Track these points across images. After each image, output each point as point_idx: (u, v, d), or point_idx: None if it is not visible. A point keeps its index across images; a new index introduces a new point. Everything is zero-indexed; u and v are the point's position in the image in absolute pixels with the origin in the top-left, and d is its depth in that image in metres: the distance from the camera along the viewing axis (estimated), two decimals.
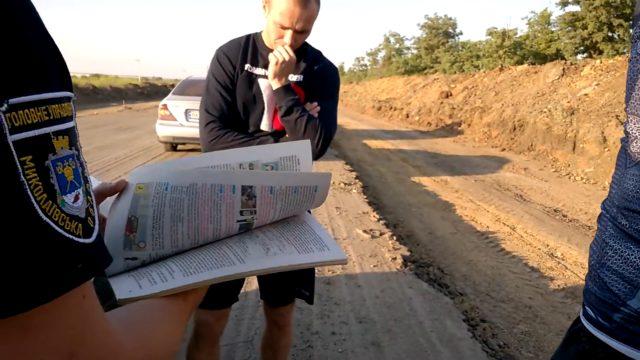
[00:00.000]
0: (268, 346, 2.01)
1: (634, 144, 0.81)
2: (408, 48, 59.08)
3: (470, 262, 4.48)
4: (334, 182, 7.06)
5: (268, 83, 1.60)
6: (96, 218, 0.44)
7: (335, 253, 0.75)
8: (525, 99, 13.28)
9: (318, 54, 1.72)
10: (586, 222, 5.72)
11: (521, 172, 8.93)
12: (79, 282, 0.40)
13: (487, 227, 5.58)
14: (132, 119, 16.64)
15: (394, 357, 2.59)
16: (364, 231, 4.70)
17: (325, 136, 1.59)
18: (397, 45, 60.98)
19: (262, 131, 1.65)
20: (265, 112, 1.64)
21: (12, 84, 0.35)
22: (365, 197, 6.34)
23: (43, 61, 0.38)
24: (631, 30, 0.86)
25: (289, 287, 1.85)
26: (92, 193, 0.45)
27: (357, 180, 7.39)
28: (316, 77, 1.67)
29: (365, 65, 79.31)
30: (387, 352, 2.64)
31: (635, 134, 0.81)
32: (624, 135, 0.87)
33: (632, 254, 0.79)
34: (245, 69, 1.62)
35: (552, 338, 3.13)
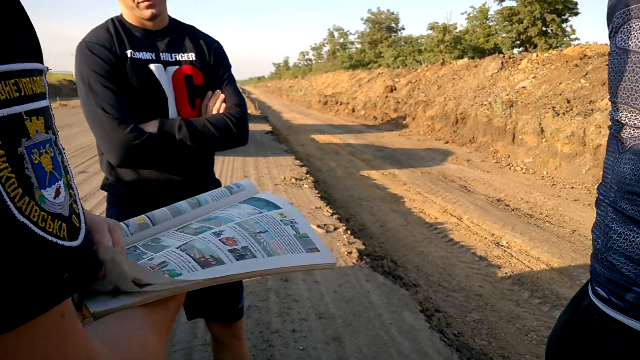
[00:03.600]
0: None
1: (626, 131, 0.85)
2: (352, 42, 59.61)
3: (421, 253, 4.58)
4: (284, 178, 7.03)
5: (161, 67, 1.47)
6: (82, 216, 0.38)
7: (326, 256, 0.73)
8: (466, 92, 13.71)
9: (194, 28, 1.62)
10: (527, 211, 5.97)
11: (464, 164, 9.22)
12: (66, 295, 0.33)
13: (436, 218, 5.72)
14: (68, 117, 15.86)
15: (356, 351, 2.61)
16: (318, 226, 4.71)
17: (238, 119, 1.52)
18: (342, 40, 61.39)
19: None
20: (169, 100, 1.49)
21: None
22: (317, 192, 6.35)
23: (7, 25, 0.31)
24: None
25: (234, 295, 1.70)
26: (74, 186, 0.38)
27: (307, 176, 7.39)
28: (207, 54, 1.58)
29: (310, 60, 79.42)
30: (349, 346, 2.65)
31: (626, 121, 0.85)
32: (611, 124, 0.92)
33: (637, 237, 0.83)
34: (128, 55, 1.43)
35: (503, 325, 3.25)
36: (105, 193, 1.62)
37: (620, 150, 0.86)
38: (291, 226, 0.75)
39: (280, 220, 0.75)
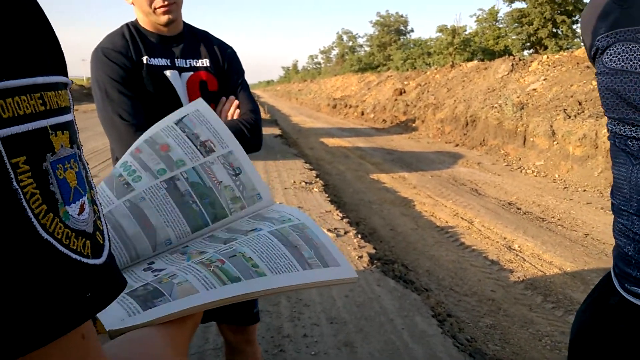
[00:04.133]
0: None
1: (634, 143, 0.90)
2: (361, 46, 59.67)
3: (432, 257, 4.55)
4: (294, 182, 7.03)
5: (176, 73, 1.48)
6: (106, 233, 0.36)
7: (346, 271, 0.70)
8: (476, 94, 13.64)
9: (208, 34, 1.63)
10: (539, 214, 5.92)
11: (475, 167, 9.17)
12: (88, 316, 0.32)
13: (446, 221, 5.69)
14: (80, 121, 15.79)
15: (368, 357, 2.60)
16: (329, 230, 4.70)
17: (252, 125, 1.52)
18: (350, 43, 61.46)
19: None
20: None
21: None
22: (326, 195, 6.34)
23: (34, 38, 0.31)
24: (581, 40, 0.95)
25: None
26: (98, 202, 0.37)
27: (317, 179, 7.39)
28: (221, 59, 1.59)
29: (319, 63, 79.57)
30: (361, 352, 2.64)
31: (633, 134, 0.90)
32: (611, 135, 0.96)
33: None
34: (144, 62, 1.44)
35: (516, 330, 3.22)
36: None
37: (634, 162, 0.89)
38: (307, 240, 0.72)
39: (297, 234, 0.73)
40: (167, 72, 1.47)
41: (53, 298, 0.29)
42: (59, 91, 0.33)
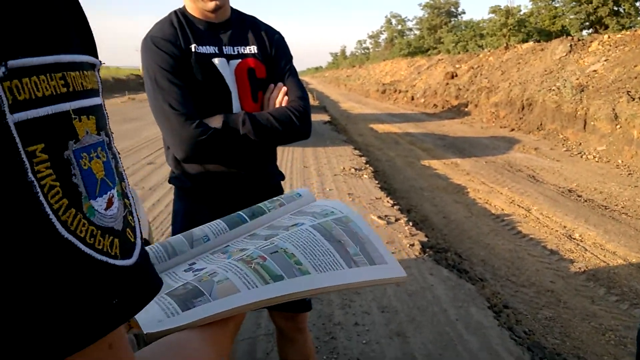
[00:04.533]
0: None
1: None
2: (410, 29, 58.51)
3: (487, 246, 4.42)
4: (343, 168, 6.99)
5: (224, 61, 1.46)
6: (138, 229, 0.33)
7: (394, 269, 0.65)
8: (532, 77, 13.09)
9: (256, 19, 1.59)
10: (602, 202, 5.63)
11: (532, 152, 8.82)
12: (115, 324, 0.29)
13: (502, 209, 5.51)
14: (136, 110, 16.58)
15: (421, 347, 2.54)
16: (379, 217, 4.64)
17: (301, 112, 1.49)
18: (399, 27, 60.36)
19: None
20: (233, 95, 1.47)
21: (15, 40, 0.25)
22: (376, 182, 6.27)
23: (58, 12, 0.28)
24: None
25: None
26: (130, 194, 0.33)
27: (367, 166, 7.32)
28: (268, 45, 1.55)
29: (368, 48, 78.71)
30: (413, 342, 2.59)
31: None
32: None
33: None
34: (193, 50, 1.42)
35: (577, 323, 3.07)
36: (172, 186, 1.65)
37: None
38: (352, 234, 0.67)
39: (340, 228, 0.68)
40: (215, 60, 1.45)
41: (76, 305, 0.26)
42: (85, 71, 0.29)
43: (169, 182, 1.63)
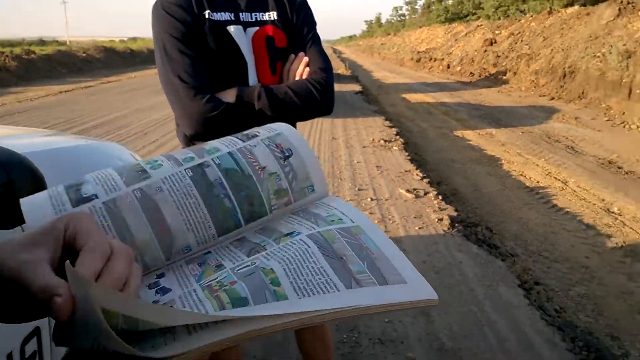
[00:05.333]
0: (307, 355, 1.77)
1: None
2: None
3: (520, 220, 4.28)
4: (373, 140, 6.88)
5: (240, 29, 1.33)
6: None
7: (418, 289, 0.52)
8: (576, 43, 12.48)
9: None
10: None
11: (572, 122, 8.46)
12: None
13: (537, 182, 5.32)
14: (153, 85, 16.75)
15: (446, 328, 2.49)
16: (407, 191, 4.55)
17: (323, 85, 1.36)
18: None
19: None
20: (249, 66, 1.36)
21: None
22: (406, 154, 6.14)
23: None
24: None
25: None
26: None
27: (397, 137, 7.17)
28: (289, 10, 1.41)
29: (404, 15, 76.68)
30: (438, 323, 2.53)
31: None
32: None
33: None
34: (206, 16, 1.31)
35: (611, 301, 2.95)
36: None
37: None
38: (360, 249, 0.55)
39: (345, 240, 0.56)
40: (231, 28, 1.33)
41: None
42: None
43: None
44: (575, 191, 4.95)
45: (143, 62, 27.89)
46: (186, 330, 0.43)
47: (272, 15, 1.40)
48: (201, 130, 1.30)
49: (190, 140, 1.44)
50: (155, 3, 1.34)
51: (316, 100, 1.36)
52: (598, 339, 2.55)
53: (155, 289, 0.52)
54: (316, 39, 1.46)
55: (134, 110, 9.68)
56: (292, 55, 1.42)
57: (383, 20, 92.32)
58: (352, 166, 5.59)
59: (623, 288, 3.10)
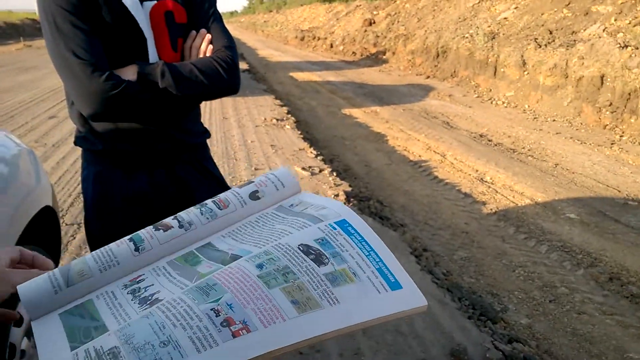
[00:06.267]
0: None
1: None
2: None
3: (406, 192, 4.56)
4: (265, 119, 6.86)
5: (137, 1, 1.26)
6: None
7: (411, 296, 0.52)
8: (447, 24, 13.37)
9: None
10: (510, 146, 5.97)
11: (446, 99, 9.11)
12: None
13: (419, 156, 5.69)
14: (34, 58, 15.15)
15: None
16: (303, 168, 4.62)
17: (229, 64, 1.32)
18: None
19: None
20: (148, 42, 1.29)
21: None
22: (299, 132, 6.22)
23: None
24: None
25: None
26: None
27: (289, 116, 7.23)
28: None
29: None
30: None
31: None
32: None
33: None
34: None
35: (490, 262, 3.28)
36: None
37: None
38: (351, 251, 0.53)
39: (336, 242, 0.54)
40: (126, 1, 1.25)
41: None
42: None
43: (75, 143, 1.43)
44: (452, 163, 5.37)
45: (0, 37, 24.90)
46: None
47: None
48: (101, 109, 1.21)
49: (86, 121, 1.34)
50: None
51: (223, 80, 1.32)
52: (481, 297, 2.84)
53: (135, 295, 0.53)
54: (217, 16, 1.41)
55: None
56: (193, 32, 1.36)
57: None
58: (246, 146, 5.54)
59: (499, 250, 3.46)
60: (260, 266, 0.51)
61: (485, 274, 3.14)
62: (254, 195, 0.68)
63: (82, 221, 1.49)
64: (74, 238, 3.24)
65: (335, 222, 0.58)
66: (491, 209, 4.15)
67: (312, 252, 0.53)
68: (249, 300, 0.47)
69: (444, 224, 3.90)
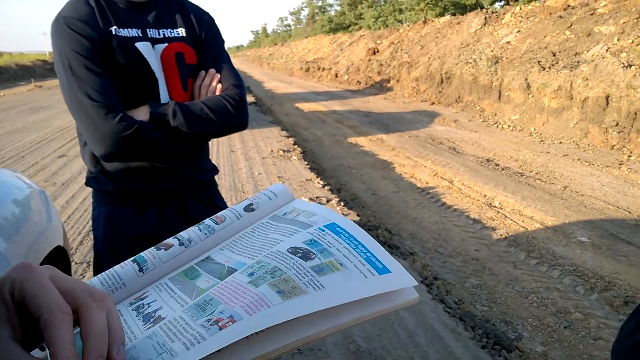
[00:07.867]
0: None
1: None
2: (331, 5, 58.55)
3: (415, 220, 4.54)
4: (271, 150, 6.91)
5: (148, 45, 1.31)
6: None
7: (400, 278, 0.52)
8: (450, 50, 13.52)
9: None
10: (517, 170, 5.95)
11: (452, 125, 9.15)
12: None
13: (427, 182, 5.68)
14: (44, 98, 15.46)
15: (359, 329, 2.57)
16: (311, 199, 4.63)
17: (237, 101, 1.37)
18: (320, 3, 60.15)
19: None
20: (160, 83, 1.34)
21: None
22: (306, 163, 6.25)
23: None
24: None
25: None
26: None
27: (295, 146, 7.28)
28: (197, 27, 1.42)
29: (289, 26, 77.99)
30: None
31: None
32: None
33: None
34: (113, 33, 1.27)
35: (502, 288, 3.23)
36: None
37: None
38: (338, 247, 0.55)
39: (323, 240, 0.55)
40: (139, 44, 1.30)
41: None
42: None
43: (86, 184, 1.45)
44: (460, 189, 5.35)
45: (12, 79, 25.51)
46: None
47: (181, 31, 1.39)
48: (114, 150, 1.25)
49: (98, 161, 1.37)
50: (57, 19, 1.27)
51: (232, 116, 1.36)
52: (494, 325, 2.79)
53: (140, 312, 0.55)
54: (225, 56, 1.47)
55: (6, 132, 8.82)
56: (202, 72, 1.41)
57: (269, 31, 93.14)
58: (253, 178, 5.57)
59: (510, 276, 3.41)
60: (251, 274, 0.53)
61: (497, 301, 3.09)
62: (248, 208, 0.71)
63: (92, 260, 1.50)
64: (83, 277, 3.25)
65: (324, 225, 0.60)
66: (501, 235, 4.12)
67: (300, 251, 0.55)
68: (238, 301, 0.49)
69: (454, 251, 3.86)
